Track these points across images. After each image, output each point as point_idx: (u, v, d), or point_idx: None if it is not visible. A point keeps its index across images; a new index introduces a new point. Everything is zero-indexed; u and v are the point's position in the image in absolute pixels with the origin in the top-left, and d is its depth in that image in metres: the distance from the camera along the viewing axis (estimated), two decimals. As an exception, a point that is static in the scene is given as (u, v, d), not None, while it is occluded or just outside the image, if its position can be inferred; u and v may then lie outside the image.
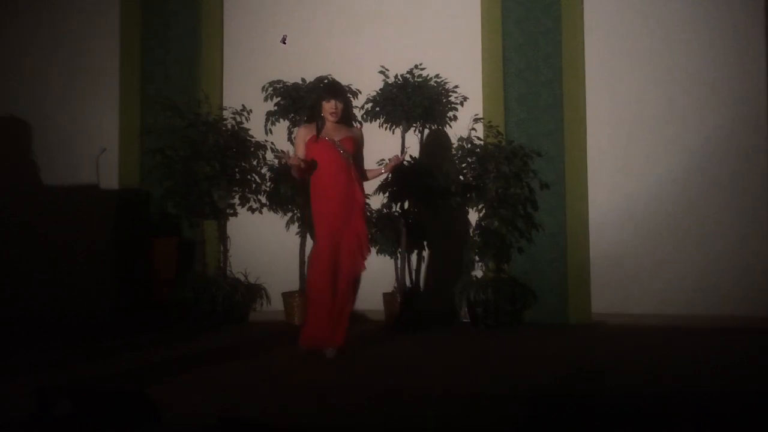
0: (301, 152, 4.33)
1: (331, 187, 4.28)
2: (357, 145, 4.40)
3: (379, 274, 5.57)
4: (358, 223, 4.29)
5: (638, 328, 5.11)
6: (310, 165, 4.28)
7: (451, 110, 5.46)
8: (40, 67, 6.06)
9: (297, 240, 5.67)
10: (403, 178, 5.39)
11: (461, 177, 5.37)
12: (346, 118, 4.40)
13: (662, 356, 4.36)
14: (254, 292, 5.77)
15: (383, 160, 5.49)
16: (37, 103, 5.99)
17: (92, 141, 5.75)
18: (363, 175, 4.46)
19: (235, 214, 5.79)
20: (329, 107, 4.32)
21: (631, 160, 5.35)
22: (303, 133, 4.38)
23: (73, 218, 5.16)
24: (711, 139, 5.21)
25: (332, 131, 4.35)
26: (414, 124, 5.51)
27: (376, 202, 5.60)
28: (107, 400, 2.92)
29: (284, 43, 5.21)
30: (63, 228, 5.15)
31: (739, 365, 4.09)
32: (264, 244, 5.83)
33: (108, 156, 5.65)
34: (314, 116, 4.39)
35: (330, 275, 4.21)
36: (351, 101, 4.47)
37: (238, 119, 5.70)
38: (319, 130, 4.33)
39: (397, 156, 4.53)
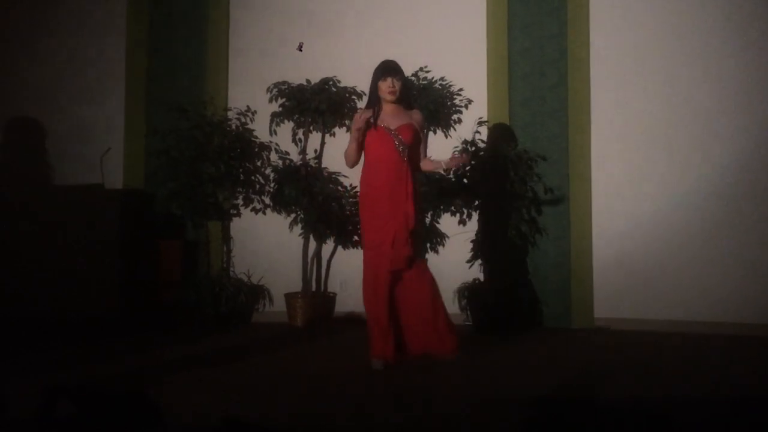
0: (356, 133, 4.08)
1: (380, 184, 4.07)
2: (416, 133, 4.13)
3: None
4: (401, 238, 4.04)
5: (640, 333, 5.11)
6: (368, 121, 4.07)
7: (456, 113, 5.46)
8: (46, 67, 6.07)
9: (300, 241, 5.68)
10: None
11: (465, 180, 5.36)
12: (405, 98, 4.18)
13: (664, 361, 4.37)
14: (257, 293, 5.78)
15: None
16: (42, 102, 6.00)
17: (97, 141, 5.75)
18: (417, 168, 4.19)
19: (238, 214, 5.80)
20: (386, 86, 4.10)
21: (635, 166, 5.35)
22: (359, 115, 4.13)
23: (77, 218, 5.15)
24: (716, 145, 5.20)
25: (390, 116, 4.11)
26: (419, 127, 5.50)
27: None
28: (109, 401, 2.93)
29: (300, 50, 5.17)
30: (67, 227, 5.14)
31: (741, 371, 4.09)
32: (267, 245, 5.84)
33: (113, 156, 5.66)
34: (372, 102, 4.18)
35: (377, 286, 4.06)
36: (408, 81, 4.23)
37: (243, 120, 5.71)
38: (376, 116, 4.10)
39: (463, 155, 4.20)
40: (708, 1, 5.27)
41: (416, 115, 4.24)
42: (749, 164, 5.14)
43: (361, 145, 4.16)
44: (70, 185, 5.37)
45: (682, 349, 4.69)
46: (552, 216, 5.43)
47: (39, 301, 4.94)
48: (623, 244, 5.34)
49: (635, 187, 5.35)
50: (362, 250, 4.28)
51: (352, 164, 4.27)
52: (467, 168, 5.30)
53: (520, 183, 5.30)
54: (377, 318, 4.13)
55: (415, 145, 4.16)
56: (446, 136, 5.47)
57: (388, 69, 4.18)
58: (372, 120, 4.13)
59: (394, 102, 4.14)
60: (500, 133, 5.47)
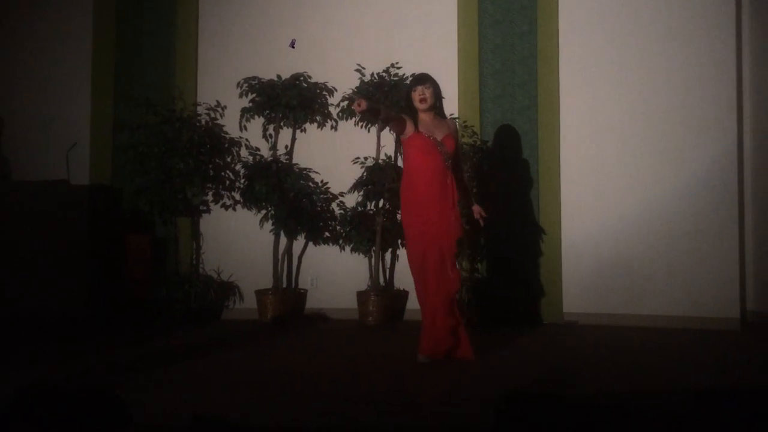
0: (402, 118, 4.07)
1: (424, 194, 4.05)
2: (457, 143, 4.19)
3: (353, 273, 5.59)
4: (450, 244, 4.05)
5: (608, 327, 5.18)
6: (373, 111, 4.02)
7: (427, 110, 5.46)
8: (10, 60, 5.95)
9: (271, 237, 5.65)
10: (378, 176, 5.40)
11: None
12: (438, 108, 4.16)
13: (632, 355, 4.42)
14: (227, 289, 5.75)
15: (358, 158, 5.52)
16: (6, 96, 5.88)
17: (63, 136, 5.65)
18: (461, 178, 4.21)
19: (208, 211, 5.75)
20: (417, 95, 4.09)
21: (603, 162, 5.41)
22: (404, 117, 4.11)
23: (41, 214, 5.05)
24: (685, 143, 5.27)
25: (430, 125, 4.10)
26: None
27: (351, 200, 5.61)
28: (78, 400, 2.88)
29: (293, 47, 5.14)
30: (31, 224, 5.04)
31: (706, 364, 4.17)
32: (237, 242, 5.80)
33: (79, 151, 5.56)
34: (408, 111, 4.14)
35: (426, 290, 4.05)
36: (440, 90, 4.17)
37: (213, 115, 5.66)
38: (415, 123, 4.08)
39: (481, 217, 4.25)
40: (678, 1, 5.34)
41: (452, 124, 4.27)
42: (717, 164, 5.20)
43: (396, 122, 4.11)
44: (33, 181, 5.26)
45: (649, 342, 4.76)
46: (522, 212, 5.48)
47: (4, 299, 4.84)
48: (592, 240, 5.39)
49: (604, 184, 5.41)
50: (406, 257, 4.26)
51: (400, 129, 4.13)
52: None
53: (491, 181, 5.34)
54: (432, 318, 4.08)
55: (457, 155, 4.22)
56: (417, 133, 5.49)
57: (417, 79, 4.19)
58: (414, 125, 4.06)
59: (427, 110, 4.13)
60: (473, 131, 5.50)
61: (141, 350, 4.47)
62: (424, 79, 4.16)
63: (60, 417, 2.74)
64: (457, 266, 4.25)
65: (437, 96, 4.15)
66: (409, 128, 4.09)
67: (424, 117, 4.13)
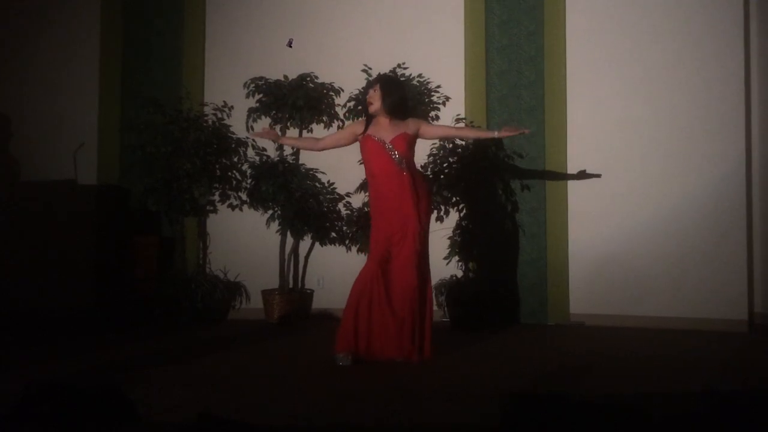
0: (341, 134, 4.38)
1: (384, 197, 4.08)
2: (410, 141, 4.09)
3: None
4: (410, 245, 4.03)
5: (615, 328, 5.17)
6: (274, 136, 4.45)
7: (434, 110, 5.47)
8: (18, 60, 5.98)
9: (277, 238, 5.65)
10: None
11: (442, 176, 5.38)
12: (399, 112, 4.11)
13: (638, 356, 4.41)
14: (234, 289, 5.76)
15: (364, 160, 5.52)
16: (14, 96, 5.91)
17: (70, 136, 5.68)
18: (418, 174, 4.21)
19: (215, 211, 5.77)
20: (367, 98, 4.12)
21: (610, 163, 5.39)
22: (350, 126, 4.32)
23: (50, 214, 5.08)
24: (690, 142, 5.26)
25: (383, 129, 4.09)
26: (396, 124, 5.50)
27: (358, 201, 5.61)
28: (85, 397, 2.89)
29: (290, 46, 5.16)
30: (40, 223, 5.07)
31: (713, 365, 4.16)
32: (244, 242, 5.81)
33: (86, 151, 5.59)
34: (367, 114, 4.19)
35: (368, 290, 4.05)
36: (403, 90, 4.19)
37: (220, 115, 5.67)
38: (367, 126, 4.12)
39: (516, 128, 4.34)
40: (686, 2, 5.32)
41: (411, 124, 4.18)
42: (725, 166, 5.17)
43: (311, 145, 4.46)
44: (41, 181, 5.30)
45: (656, 344, 4.75)
46: (529, 212, 5.48)
47: (14, 297, 4.87)
48: (598, 241, 5.38)
49: (611, 185, 5.39)
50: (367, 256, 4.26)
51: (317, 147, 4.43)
52: (447, 164, 5.33)
53: (498, 181, 5.33)
54: (355, 314, 4.11)
55: (411, 153, 4.14)
56: (424, 133, 5.48)
57: (369, 82, 4.24)
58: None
59: (378, 113, 4.11)
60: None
61: (147, 349, 4.49)
62: (373, 82, 4.24)
63: (67, 414, 2.76)
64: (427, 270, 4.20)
65: (386, 97, 4.09)
66: (358, 131, 4.15)
67: (380, 120, 4.13)
